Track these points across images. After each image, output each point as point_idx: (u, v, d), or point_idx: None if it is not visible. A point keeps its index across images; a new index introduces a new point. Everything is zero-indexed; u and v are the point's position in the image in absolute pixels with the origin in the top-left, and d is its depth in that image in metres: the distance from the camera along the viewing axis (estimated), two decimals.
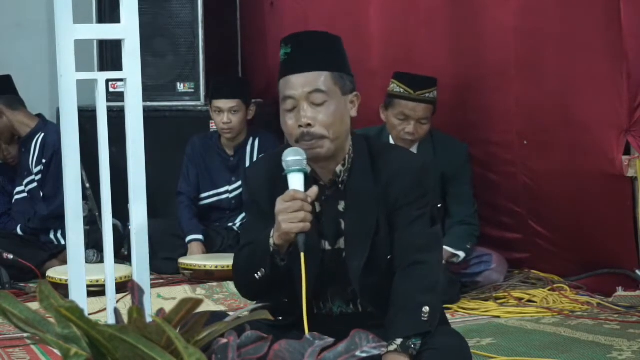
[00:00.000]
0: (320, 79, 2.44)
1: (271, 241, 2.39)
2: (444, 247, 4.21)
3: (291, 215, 2.33)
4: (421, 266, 2.44)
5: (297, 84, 2.44)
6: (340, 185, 2.52)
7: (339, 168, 2.51)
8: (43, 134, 5.09)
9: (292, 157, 2.38)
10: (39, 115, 5.33)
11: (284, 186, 2.40)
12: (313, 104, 2.42)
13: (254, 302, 2.58)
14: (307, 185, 2.41)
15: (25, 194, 5.24)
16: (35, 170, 5.14)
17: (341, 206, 2.52)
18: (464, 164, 4.47)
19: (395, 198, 2.47)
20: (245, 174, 2.69)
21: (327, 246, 2.53)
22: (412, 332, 2.37)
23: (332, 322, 2.49)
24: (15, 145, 5.30)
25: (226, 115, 5.01)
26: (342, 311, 2.56)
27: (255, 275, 2.43)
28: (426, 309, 2.39)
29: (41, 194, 5.15)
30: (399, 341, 2.35)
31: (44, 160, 5.06)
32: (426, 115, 4.35)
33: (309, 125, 2.41)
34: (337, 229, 2.52)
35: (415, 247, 2.46)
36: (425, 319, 2.38)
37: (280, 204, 2.35)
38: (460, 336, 2.54)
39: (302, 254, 2.32)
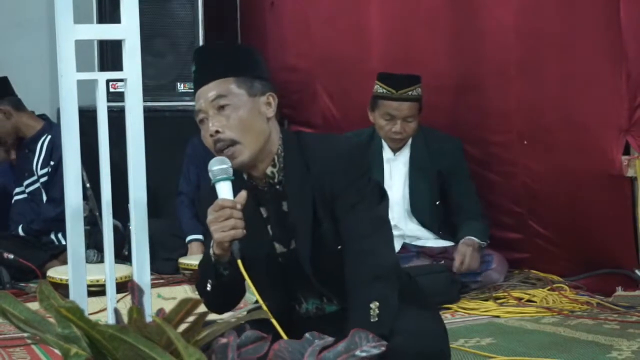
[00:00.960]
0: (222, 85, 2.45)
1: (211, 251, 2.41)
2: (471, 237, 4.24)
3: (221, 224, 2.34)
4: (364, 255, 2.42)
5: (202, 95, 2.47)
6: (278, 186, 2.51)
7: (269, 170, 2.50)
8: (50, 136, 5.08)
9: (217, 166, 2.40)
10: (43, 117, 5.33)
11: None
12: (219, 109, 2.43)
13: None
14: (250, 193, 2.42)
15: (25, 195, 5.24)
16: (40, 172, 5.13)
17: (284, 206, 2.52)
18: (460, 158, 4.49)
19: (330, 187, 2.46)
20: (199, 199, 2.73)
21: (282, 248, 2.53)
22: None
23: (313, 322, 2.49)
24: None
25: None
26: (318, 307, 2.57)
27: (206, 287, 2.46)
28: (374, 304, 2.35)
29: (44, 196, 5.15)
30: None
31: (51, 163, 5.05)
32: (412, 113, 4.36)
33: (217, 132, 2.43)
34: (286, 229, 2.52)
35: (359, 235, 2.43)
36: (375, 319, 2.34)
37: (210, 214, 2.37)
38: (437, 318, 2.52)
39: (239, 261, 2.33)
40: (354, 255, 2.43)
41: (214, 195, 2.44)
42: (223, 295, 2.49)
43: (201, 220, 2.65)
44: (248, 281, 2.32)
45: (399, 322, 2.36)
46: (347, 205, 2.45)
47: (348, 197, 2.45)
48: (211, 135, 2.44)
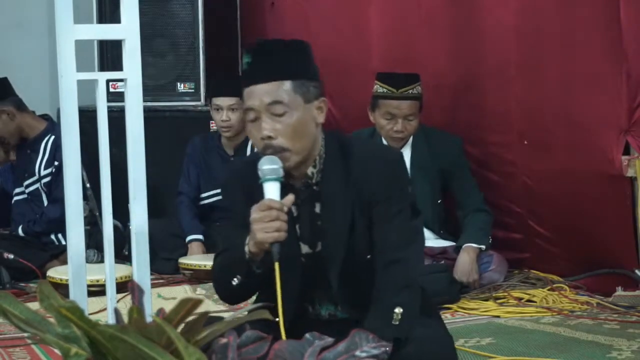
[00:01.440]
0: (280, 88, 2.39)
1: (246, 249, 2.37)
2: (471, 245, 4.25)
3: (266, 225, 2.31)
4: (397, 265, 2.42)
5: (257, 94, 2.41)
6: (314, 187, 2.49)
7: (310, 170, 2.48)
8: (54, 136, 5.07)
9: (268, 165, 2.36)
10: (45, 117, 5.33)
11: (260, 193, 2.38)
12: (274, 114, 2.39)
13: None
14: (283, 191, 2.39)
15: (25, 195, 5.24)
16: (43, 173, 5.12)
17: (317, 208, 2.50)
18: (460, 155, 4.51)
19: (371, 193, 2.44)
20: (220, 182, 2.66)
21: (307, 249, 2.51)
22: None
23: (321, 327, 2.47)
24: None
25: (225, 113, 5.01)
26: (330, 313, 2.56)
27: (232, 281, 2.42)
28: (398, 310, 2.36)
29: (44, 197, 5.14)
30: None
31: (55, 163, 5.04)
32: (412, 112, 4.37)
33: (269, 137, 2.39)
34: (315, 231, 2.50)
35: (393, 245, 2.43)
36: (397, 323, 2.36)
37: (256, 212, 2.33)
38: (445, 328, 2.53)
39: (277, 264, 2.30)
40: (386, 263, 2.43)
41: (246, 185, 2.43)
42: (247, 290, 2.48)
43: (223, 202, 2.58)
44: (278, 286, 2.29)
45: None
46: (385, 215, 2.44)
47: (387, 207, 2.44)
48: (262, 138, 2.40)
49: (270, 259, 2.33)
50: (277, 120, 2.39)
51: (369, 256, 2.47)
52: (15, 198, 5.27)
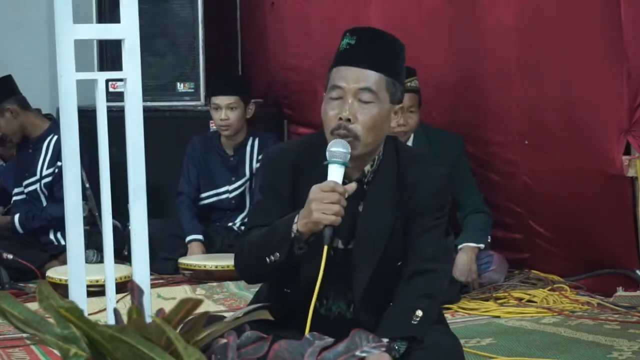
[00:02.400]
0: (375, 79, 2.39)
1: (294, 227, 2.33)
2: (467, 244, 4.26)
3: (326, 206, 2.28)
4: (426, 274, 2.44)
5: (351, 77, 2.39)
6: (364, 186, 2.48)
7: (367, 168, 2.48)
8: (57, 136, 5.05)
9: (338, 148, 2.34)
10: (49, 116, 5.32)
11: (307, 175, 2.37)
12: (360, 100, 2.38)
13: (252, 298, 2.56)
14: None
15: (23, 196, 5.23)
16: (45, 172, 5.11)
17: (361, 207, 2.49)
18: (461, 155, 4.51)
19: (415, 205, 2.45)
20: (266, 157, 2.63)
21: (340, 245, 2.49)
22: (398, 334, 2.35)
23: (329, 323, 2.47)
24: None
25: (224, 111, 5.01)
26: (340, 312, 2.55)
27: (267, 258, 2.37)
28: (419, 312, 2.37)
29: (43, 198, 5.14)
30: (384, 341, 2.34)
31: (58, 163, 5.03)
32: (413, 104, 4.38)
33: (348, 120, 2.37)
34: (353, 229, 2.48)
35: (425, 257, 2.44)
36: (416, 322, 2.37)
37: (317, 192, 2.30)
38: (454, 336, 2.53)
39: (326, 247, 2.30)
40: (413, 272, 2.44)
41: (290, 166, 2.43)
42: (277, 270, 2.42)
43: (268, 180, 2.53)
44: (322, 270, 2.28)
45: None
46: (423, 227, 2.45)
47: (426, 220, 2.45)
48: (340, 118, 2.38)
49: (314, 242, 2.32)
50: (361, 107, 2.38)
51: (399, 263, 2.47)
52: (15, 198, 5.27)
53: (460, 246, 4.31)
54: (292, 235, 2.34)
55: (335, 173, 2.33)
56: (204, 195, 5.19)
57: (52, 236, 5.10)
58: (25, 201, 5.22)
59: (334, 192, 2.29)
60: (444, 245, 2.52)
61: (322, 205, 2.28)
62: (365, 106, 2.38)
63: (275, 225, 2.40)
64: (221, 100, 5.02)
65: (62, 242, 4.96)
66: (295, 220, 2.34)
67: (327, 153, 2.34)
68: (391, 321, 2.38)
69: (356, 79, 2.39)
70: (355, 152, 2.38)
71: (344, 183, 2.36)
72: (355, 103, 2.38)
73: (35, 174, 5.15)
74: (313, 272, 2.33)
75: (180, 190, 5.17)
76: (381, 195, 2.47)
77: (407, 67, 4.41)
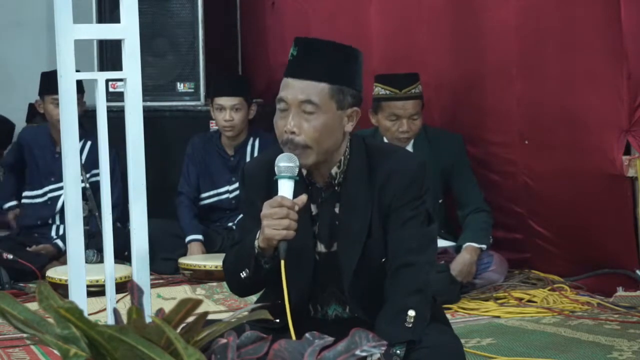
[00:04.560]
0: (316, 90, 2.40)
1: (256, 243, 2.38)
2: (471, 244, 4.25)
3: (275, 222, 2.32)
4: (410, 268, 2.43)
5: (293, 89, 2.42)
6: (336, 187, 2.50)
7: (334, 170, 2.49)
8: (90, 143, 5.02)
9: (284, 163, 2.37)
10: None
11: (277, 189, 2.38)
12: (303, 112, 2.40)
13: (253, 303, 2.57)
14: (301, 189, 2.40)
15: (44, 198, 5.21)
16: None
17: (337, 208, 2.51)
18: (461, 154, 4.51)
19: (389, 199, 2.46)
20: (243, 172, 2.65)
21: (323, 249, 2.51)
22: (394, 340, 2.35)
23: (327, 327, 2.47)
24: None
25: (228, 112, 5.01)
26: (337, 314, 2.55)
27: (241, 274, 2.43)
28: (411, 312, 2.37)
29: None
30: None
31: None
32: (416, 111, 4.37)
33: (292, 133, 2.40)
34: (333, 231, 2.50)
35: (406, 249, 2.44)
36: (410, 325, 2.37)
37: (267, 208, 2.34)
38: (454, 335, 2.53)
39: (282, 262, 2.31)
40: (398, 267, 2.44)
41: (266, 179, 2.45)
42: (255, 284, 2.49)
43: (246, 195, 2.58)
44: (284, 283, 2.29)
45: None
46: (401, 220, 2.45)
47: (403, 212, 2.46)
48: (285, 132, 2.41)
49: (289, 251, 2.33)
50: (305, 118, 2.40)
51: (383, 259, 2.48)
52: (26, 201, 5.24)
53: (463, 246, 4.30)
54: (255, 251, 2.38)
55: (285, 187, 2.36)
56: (204, 195, 5.19)
57: (54, 234, 5.09)
58: (45, 205, 5.19)
59: (282, 207, 2.32)
60: (426, 233, 2.50)
61: (272, 221, 2.32)
62: (308, 117, 2.40)
63: (244, 242, 2.45)
64: (225, 101, 5.02)
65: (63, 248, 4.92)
66: (257, 236, 2.38)
67: (275, 168, 2.37)
68: (385, 326, 2.37)
69: (297, 91, 2.41)
70: (309, 160, 2.41)
71: (313, 190, 2.41)
72: (297, 115, 2.41)
73: (61, 179, 5.09)
74: (295, 282, 2.36)
75: (180, 190, 5.18)
76: (355, 194, 2.48)
77: (410, 74, 4.45)
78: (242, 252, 2.46)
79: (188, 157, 5.21)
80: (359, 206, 2.47)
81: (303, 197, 2.38)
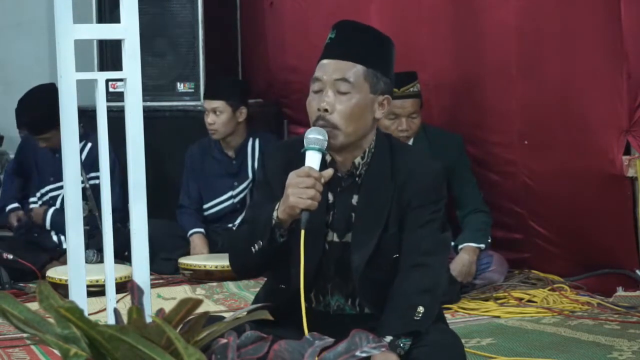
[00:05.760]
0: (352, 70, 2.44)
1: (274, 214, 2.39)
2: (469, 244, 4.26)
3: (301, 190, 2.33)
4: (423, 268, 2.45)
5: (328, 68, 2.46)
6: (357, 179, 2.51)
7: (357, 160, 2.51)
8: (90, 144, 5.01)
9: (314, 135, 2.40)
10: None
11: (299, 167, 2.39)
12: (338, 91, 2.43)
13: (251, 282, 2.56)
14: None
15: (40, 202, 5.21)
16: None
17: (354, 200, 2.51)
18: (461, 154, 4.51)
19: (409, 198, 2.47)
20: (263, 155, 2.69)
21: (335, 238, 2.52)
22: (402, 331, 2.37)
23: (328, 320, 2.48)
24: None
25: (210, 115, 5.00)
26: (339, 306, 2.55)
27: (252, 248, 2.42)
28: (420, 309, 2.39)
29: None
30: (388, 339, 2.35)
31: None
32: (415, 109, 4.38)
33: (326, 110, 2.42)
34: (348, 222, 2.51)
35: (421, 250, 2.46)
36: (418, 318, 2.39)
37: (293, 177, 2.36)
38: (454, 334, 2.54)
39: (303, 231, 2.33)
40: (411, 265, 2.45)
41: (284, 161, 2.47)
42: (263, 260, 2.46)
43: (264, 175, 2.59)
44: (302, 253, 2.31)
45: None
46: (419, 221, 2.47)
47: (422, 213, 2.47)
48: (319, 109, 2.44)
49: (297, 228, 2.35)
50: (339, 98, 2.43)
51: (395, 255, 2.48)
52: (34, 206, 5.23)
53: (461, 246, 4.31)
54: (273, 222, 2.39)
55: (312, 159, 2.39)
56: (207, 205, 5.14)
57: (54, 237, 5.09)
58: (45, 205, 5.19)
59: (310, 177, 2.34)
60: (441, 239, 2.52)
61: (298, 190, 2.33)
62: (342, 97, 2.44)
63: (258, 215, 2.46)
64: (208, 104, 5.01)
65: (64, 246, 4.93)
66: (276, 207, 2.39)
67: (304, 140, 2.40)
68: (393, 318, 2.39)
69: (333, 70, 2.45)
70: (336, 141, 2.43)
71: (334, 178, 2.43)
72: (332, 94, 2.44)
73: (60, 180, 5.11)
74: (295, 264, 2.37)
75: (181, 204, 5.14)
76: (375, 188, 2.50)
77: (409, 72, 4.44)
78: (256, 224, 2.45)
79: (186, 170, 5.17)
80: (379, 200, 2.49)
81: (330, 171, 2.40)
